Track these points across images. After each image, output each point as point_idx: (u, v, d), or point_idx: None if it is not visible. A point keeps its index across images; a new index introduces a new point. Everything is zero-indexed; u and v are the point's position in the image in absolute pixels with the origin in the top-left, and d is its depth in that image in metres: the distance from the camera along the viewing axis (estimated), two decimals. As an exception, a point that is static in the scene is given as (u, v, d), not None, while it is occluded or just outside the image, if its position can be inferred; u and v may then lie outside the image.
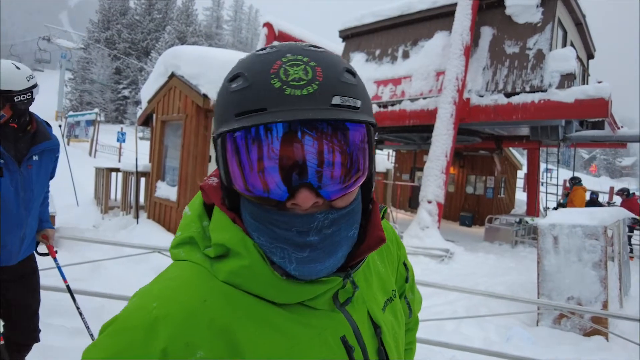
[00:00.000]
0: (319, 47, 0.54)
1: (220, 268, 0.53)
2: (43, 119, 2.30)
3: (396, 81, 11.59)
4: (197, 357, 0.46)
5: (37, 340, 2.30)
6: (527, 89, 9.40)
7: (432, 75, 10.83)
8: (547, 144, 12.87)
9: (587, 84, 11.93)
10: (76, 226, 6.55)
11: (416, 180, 14.95)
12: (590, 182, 25.79)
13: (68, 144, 17.69)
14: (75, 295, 2.73)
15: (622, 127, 11.31)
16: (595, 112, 8.53)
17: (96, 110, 20.76)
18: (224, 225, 0.55)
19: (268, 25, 12.59)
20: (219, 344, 0.48)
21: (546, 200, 13.52)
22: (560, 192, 13.71)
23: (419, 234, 8.48)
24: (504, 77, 9.89)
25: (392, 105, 11.30)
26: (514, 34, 10.05)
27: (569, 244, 4.52)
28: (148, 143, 8.89)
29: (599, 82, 8.92)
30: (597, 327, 3.53)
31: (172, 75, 6.74)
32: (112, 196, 8.64)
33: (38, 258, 2.48)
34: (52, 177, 2.37)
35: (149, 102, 7.75)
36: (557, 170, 11.88)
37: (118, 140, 17.96)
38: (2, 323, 2.22)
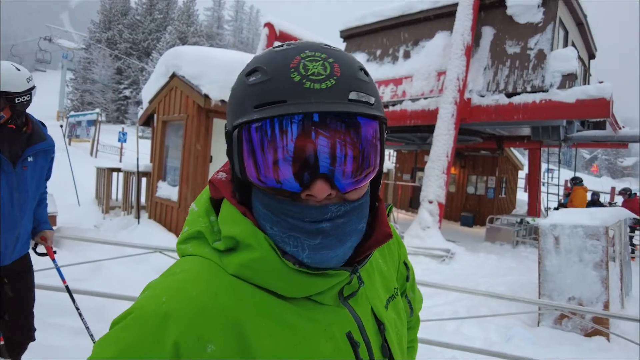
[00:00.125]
0: (333, 46, 0.57)
1: (230, 261, 0.54)
2: (38, 119, 2.31)
3: (397, 81, 11.59)
4: (208, 351, 0.47)
5: (32, 339, 2.31)
6: (528, 89, 9.40)
7: (433, 76, 10.83)
8: (548, 144, 12.86)
9: (589, 84, 11.92)
10: (77, 226, 6.56)
11: (417, 181, 14.95)
12: (591, 183, 25.76)
13: (69, 144, 17.71)
14: (77, 295, 2.73)
15: (623, 127, 11.30)
16: (596, 112, 8.52)
17: (97, 110, 20.77)
18: (234, 218, 0.56)
19: (269, 25, 12.60)
20: (230, 338, 0.49)
21: (547, 201, 13.51)
22: (561, 193, 13.69)
23: (420, 234, 8.48)
24: (505, 77, 9.89)
25: (393, 105, 11.30)
26: (515, 34, 10.04)
27: (570, 244, 4.52)
28: (149, 142, 8.91)
29: (601, 82, 8.91)
30: (598, 327, 3.52)
31: (173, 76, 6.74)
32: (114, 196, 8.66)
33: (38, 258, 2.49)
34: (48, 177, 2.37)
35: (150, 102, 7.75)
36: (559, 170, 11.86)
37: (119, 140, 17.98)
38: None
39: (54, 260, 2.57)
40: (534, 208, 13.93)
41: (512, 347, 3.75)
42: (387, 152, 19.32)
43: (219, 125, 6.54)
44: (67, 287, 2.66)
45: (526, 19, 9.92)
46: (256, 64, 0.54)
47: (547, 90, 9.03)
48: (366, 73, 0.56)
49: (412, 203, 15.45)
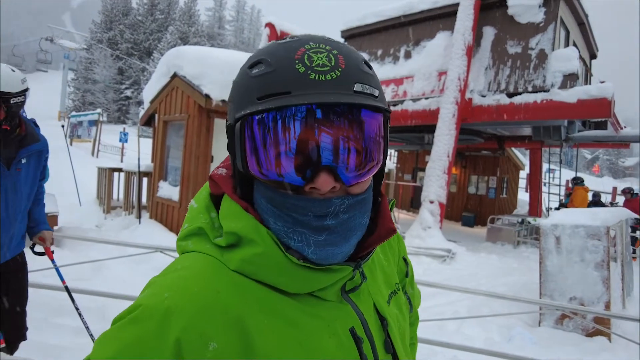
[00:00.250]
0: (335, 39, 0.56)
1: (232, 257, 0.53)
2: (38, 119, 2.33)
3: (398, 81, 11.59)
4: (210, 348, 0.46)
5: (24, 338, 2.33)
6: (530, 89, 9.39)
7: (434, 76, 10.82)
8: (549, 144, 12.85)
9: (590, 84, 11.91)
10: (79, 226, 6.57)
11: (418, 181, 14.95)
12: (593, 183, 25.70)
13: (71, 144, 17.73)
14: (78, 295, 2.74)
15: (625, 127, 11.28)
16: (597, 112, 8.51)
17: (99, 110, 20.79)
18: (236, 213, 0.55)
19: (270, 25, 12.61)
20: (233, 335, 0.48)
21: (548, 201, 13.49)
22: (562, 193, 13.68)
23: (421, 234, 8.48)
24: (506, 77, 9.88)
25: (394, 105, 11.29)
26: (516, 34, 10.04)
27: (571, 244, 4.51)
28: (150, 142, 8.92)
29: (602, 82, 8.89)
30: (600, 327, 3.52)
31: (175, 76, 6.75)
32: (115, 196, 8.67)
33: (38, 258, 2.50)
34: (43, 177, 2.38)
35: (152, 102, 7.76)
36: (560, 170, 11.86)
37: (120, 140, 17.99)
38: None
39: (52, 260, 2.57)
40: (535, 208, 13.91)
41: (513, 347, 3.74)
42: (388, 152, 19.29)
43: (220, 125, 6.55)
44: (66, 287, 2.67)
45: (527, 19, 9.91)
46: (260, 56, 0.53)
47: (548, 90, 9.02)
48: (369, 66, 0.55)
49: (413, 203, 15.44)
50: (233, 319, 0.49)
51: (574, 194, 9.89)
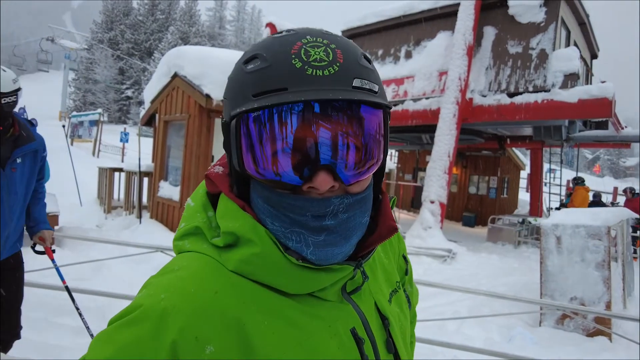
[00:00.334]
0: (334, 33, 0.54)
1: (229, 257, 0.51)
2: (28, 118, 2.31)
3: (399, 81, 11.58)
4: (207, 352, 0.45)
5: (18, 337, 2.32)
6: (530, 88, 9.38)
7: (434, 76, 10.82)
8: (550, 144, 12.83)
9: (591, 84, 11.89)
10: (79, 226, 6.58)
11: (419, 181, 14.94)
12: (594, 183, 25.67)
13: (72, 144, 17.75)
14: (79, 295, 2.75)
15: (626, 127, 11.26)
16: (598, 112, 8.50)
17: (99, 110, 20.81)
18: (233, 213, 0.53)
19: (271, 25, 12.62)
20: (231, 338, 0.47)
21: (549, 201, 13.47)
22: (563, 193, 13.66)
23: (422, 234, 8.47)
24: (506, 77, 9.87)
25: (395, 105, 11.29)
26: (517, 34, 10.03)
27: (572, 244, 4.51)
28: (150, 142, 8.93)
29: (603, 82, 8.88)
30: (600, 327, 3.52)
31: (175, 76, 6.76)
32: (115, 196, 8.68)
33: (38, 258, 2.50)
34: (42, 177, 2.37)
35: (152, 102, 7.77)
36: (560, 170, 11.85)
37: (121, 140, 18.01)
38: None
39: (53, 260, 2.57)
40: (535, 208, 13.90)
41: (513, 347, 3.74)
42: (388, 152, 19.28)
43: (220, 125, 6.56)
44: (66, 287, 2.67)
45: (528, 19, 9.90)
46: (255, 51, 0.51)
47: (549, 90, 9.02)
48: (369, 60, 0.54)
49: (414, 203, 15.43)
50: (231, 320, 0.47)
51: (574, 194, 9.87)
